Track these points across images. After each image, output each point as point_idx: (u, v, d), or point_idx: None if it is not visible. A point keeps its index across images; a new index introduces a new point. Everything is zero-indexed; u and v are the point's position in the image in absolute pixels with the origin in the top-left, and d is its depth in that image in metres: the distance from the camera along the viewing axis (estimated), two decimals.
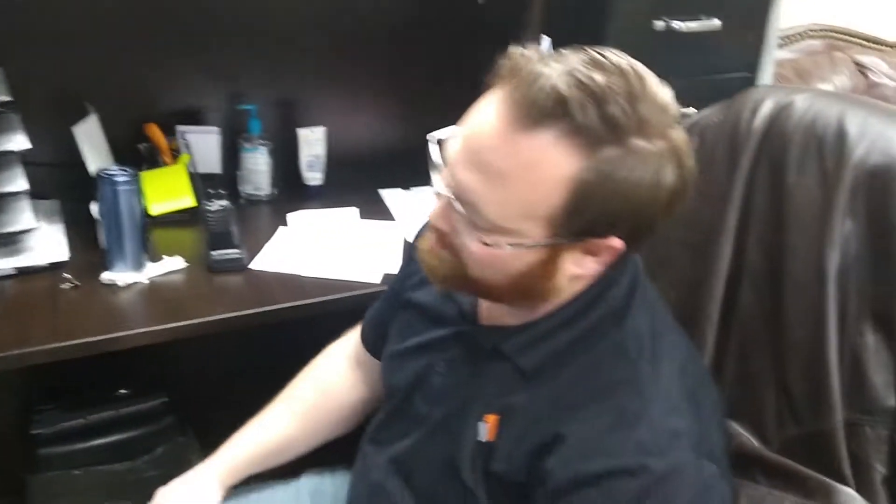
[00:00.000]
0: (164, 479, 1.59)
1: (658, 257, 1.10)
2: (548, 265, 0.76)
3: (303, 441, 1.10)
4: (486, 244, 0.75)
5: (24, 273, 1.34)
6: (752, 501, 0.94)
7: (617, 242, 0.74)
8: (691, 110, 1.56)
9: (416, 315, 0.98)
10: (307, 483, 1.17)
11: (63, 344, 1.19)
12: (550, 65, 0.70)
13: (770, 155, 1.02)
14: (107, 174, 1.30)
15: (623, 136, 0.68)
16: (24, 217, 1.34)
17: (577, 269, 0.77)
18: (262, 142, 1.67)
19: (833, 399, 0.91)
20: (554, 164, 0.69)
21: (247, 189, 1.70)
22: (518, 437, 0.81)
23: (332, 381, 1.13)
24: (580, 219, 0.72)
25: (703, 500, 0.76)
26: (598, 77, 0.68)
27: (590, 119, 0.68)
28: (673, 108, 0.73)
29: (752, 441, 0.99)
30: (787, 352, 0.97)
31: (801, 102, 1.02)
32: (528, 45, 0.74)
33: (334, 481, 1.16)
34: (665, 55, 1.54)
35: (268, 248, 1.49)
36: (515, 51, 0.73)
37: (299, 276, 1.39)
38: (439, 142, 0.80)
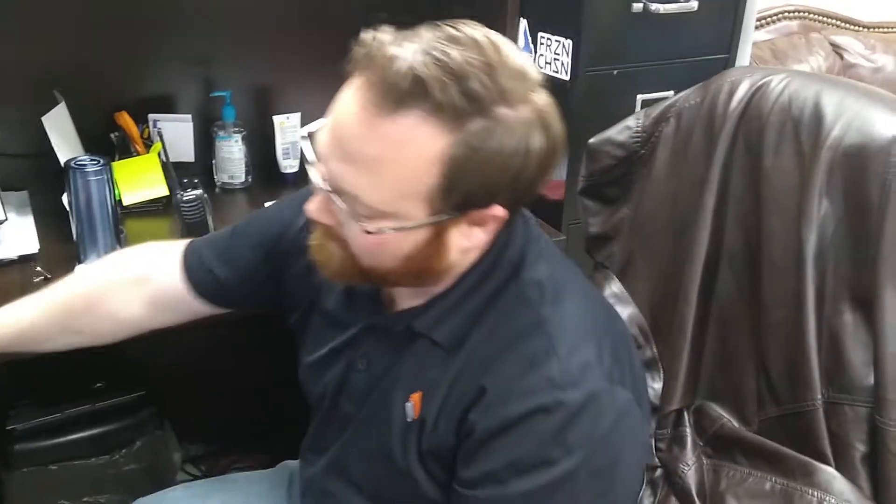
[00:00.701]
0: (143, 472, 1.58)
1: (639, 244, 1.10)
2: (435, 243, 0.77)
3: (48, 335, 1.05)
4: (370, 232, 0.75)
5: None
6: (733, 482, 0.94)
7: (499, 211, 0.76)
8: (669, 93, 1.57)
9: (325, 322, 0.97)
10: (283, 471, 1.17)
11: None
12: (405, 45, 0.70)
13: (747, 137, 1.02)
14: (77, 164, 1.28)
15: (486, 107, 0.69)
16: None
17: (466, 242, 0.79)
18: (236, 129, 1.64)
19: (812, 379, 0.91)
20: (421, 144, 0.70)
21: (222, 178, 1.67)
22: (441, 405, 0.83)
23: (101, 287, 1.07)
24: (457, 193, 0.73)
25: (622, 426, 0.80)
26: (454, 53, 0.69)
27: (451, 96, 0.68)
28: (532, 72, 0.74)
29: (732, 422, 0.99)
30: (766, 332, 0.97)
31: (777, 83, 1.02)
32: (379, 27, 0.73)
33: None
34: (643, 37, 1.55)
35: None
36: (367, 36, 0.73)
37: None
38: (310, 135, 0.79)
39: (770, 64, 2.28)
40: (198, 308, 1.06)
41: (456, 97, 0.68)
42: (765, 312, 0.97)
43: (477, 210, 0.75)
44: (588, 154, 1.13)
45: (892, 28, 2.74)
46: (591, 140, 1.12)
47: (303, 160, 1.73)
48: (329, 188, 0.76)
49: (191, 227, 1.35)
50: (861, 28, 2.64)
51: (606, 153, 1.12)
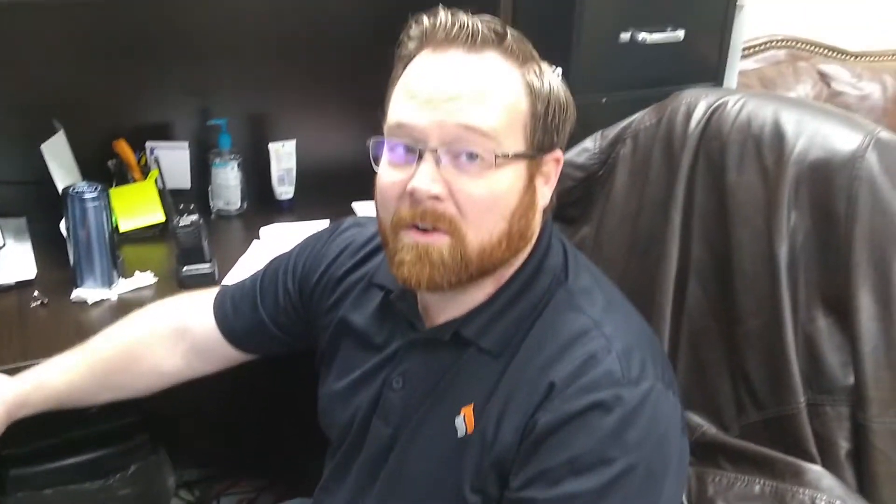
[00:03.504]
0: (137, 497, 1.58)
1: (603, 261, 1.12)
2: (531, 191, 0.84)
3: (92, 393, 1.10)
4: (494, 163, 0.80)
5: None
6: (721, 488, 0.96)
7: (559, 154, 0.87)
8: None
9: (356, 345, 0.97)
10: None
11: (33, 363, 1.17)
12: (457, 13, 0.82)
13: (708, 156, 1.06)
14: (75, 191, 1.30)
15: (533, 57, 0.84)
16: None
17: (543, 199, 0.86)
18: (232, 156, 1.67)
19: (794, 383, 0.95)
20: (510, 74, 0.82)
21: (218, 204, 1.69)
22: (503, 410, 0.83)
23: (143, 342, 1.10)
24: (539, 124, 0.83)
25: (674, 430, 0.81)
26: (489, 19, 0.83)
27: (511, 41, 0.82)
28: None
29: (712, 429, 1.02)
30: (743, 341, 1.00)
31: (733, 104, 1.06)
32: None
33: None
34: (631, 66, 1.58)
35: (241, 262, 1.48)
36: (419, 19, 0.84)
37: None
38: (395, 127, 0.84)
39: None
40: (232, 356, 1.10)
41: (515, 43, 0.82)
42: (739, 322, 1.00)
43: (548, 154, 0.85)
44: None
45: (878, 57, 2.78)
46: None
47: (296, 185, 1.75)
48: (443, 149, 0.79)
49: (187, 252, 1.37)
50: (848, 57, 2.68)
51: (566, 175, 1.15)
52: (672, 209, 1.07)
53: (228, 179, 1.67)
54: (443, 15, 0.82)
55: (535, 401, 0.81)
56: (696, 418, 1.03)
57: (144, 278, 1.38)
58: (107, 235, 1.32)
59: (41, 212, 1.50)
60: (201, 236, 1.36)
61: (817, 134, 0.97)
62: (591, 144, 1.17)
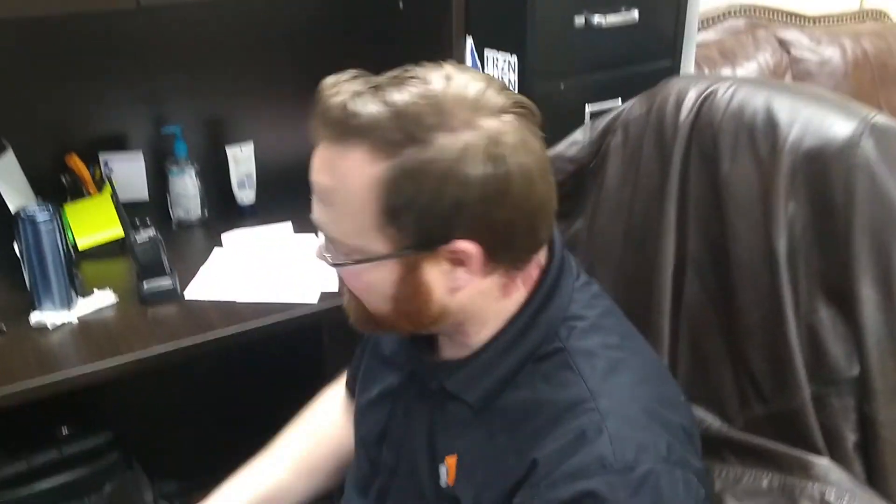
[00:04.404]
0: None
1: (598, 254, 1.11)
2: (411, 281, 0.76)
3: (299, 489, 1.07)
4: (338, 263, 0.77)
5: None
6: (728, 482, 0.95)
7: (467, 246, 0.74)
8: (616, 101, 1.58)
9: (378, 362, 0.97)
10: None
11: None
12: (354, 88, 0.73)
13: (701, 146, 1.03)
14: (26, 214, 1.26)
15: (422, 135, 0.70)
16: None
17: (451, 283, 0.77)
18: (189, 164, 1.63)
19: (799, 376, 0.92)
20: (361, 171, 0.72)
21: (178, 214, 1.66)
22: (485, 478, 0.79)
23: (325, 429, 1.10)
24: (405, 223, 0.73)
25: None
26: (395, 90, 0.71)
27: (385, 129, 0.71)
28: (492, 100, 0.73)
29: (716, 423, 1.00)
30: (744, 334, 0.98)
31: (724, 92, 1.03)
32: (342, 71, 0.75)
33: None
34: (587, 50, 1.56)
35: (202, 272, 1.46)
36: (327, 80, 0.75)
37: (234, 302, 1.37)
38: None
39: (718, 63, 2.31)
40: None
41: (391, 130, 0.70)
42: (739, 315, 0.98)
43: (442, 245, 0.74)
44: None
45: (837, 20, 2.78)
46: None
47: (257, 189, 1.72)
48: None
49: (146, 268, 1.34)
50: (807, 21, 2.69)
51: (557, 169, 1.12)
52: (666, 201, 1.04)
53: (187, 188, 1.64)
54: (326, 93, 0.73)
55: (516, 477, 0.76)
56: (701, 412, 1.01)
57: (105, 297, 1.35)
58: (62, 256, 1.29)
59: None
60: (160, 250, 1.33)
61: (811, 121, 0.94)
62: (580, 136, 1.14)
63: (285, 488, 1.05)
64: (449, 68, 0.75)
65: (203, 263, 1.49)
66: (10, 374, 1.18)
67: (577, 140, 1.15)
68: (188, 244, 1.61)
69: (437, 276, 0.76)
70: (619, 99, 1.57)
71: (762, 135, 0.97)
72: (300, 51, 1.70)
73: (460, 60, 1.57)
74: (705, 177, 1.02)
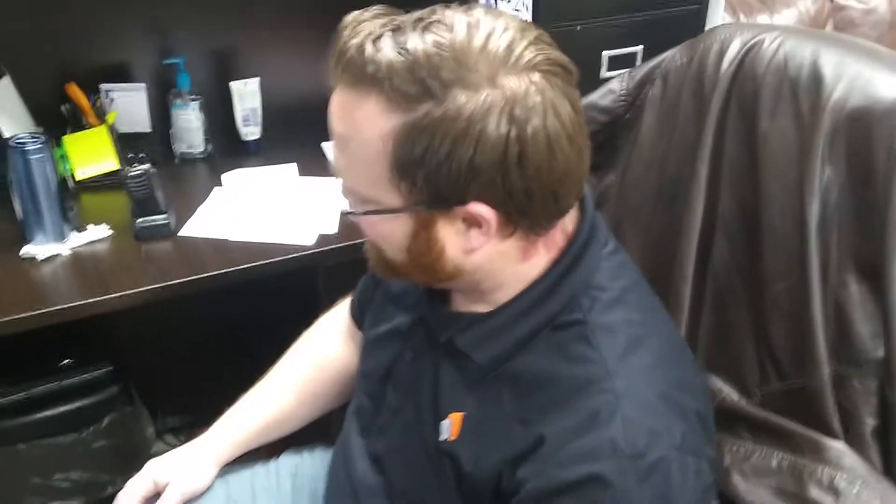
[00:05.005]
0: (113, 449, 1.57)
1: (627, 212, 1.06)
2: (424, 237, 0.73)
3: (301, 414, 1.08)
4: (353, 213, 0.75)
5: None
6: (738, 458, 0.92)
7: (482, 209, 0.70)
8: (637, 48, 1.51)
9: (387, 299, 0.95)
10: (286, 463, 1.13)
11: None
12: (372, 32, 0.68)
13: (740, 99, 0.97)
14: (16, 143, 1.24)
15: (438, 91, 0.66)
16: None
17: (466, 243, 0.73)
18: (192, 97, 1.59)
19: (819, 353, 0.88)
20: (375, 122, 0.68)
21: (181, 148, 1.63)
22: (488, 442, 0.77)
23: (325, 355, 1.10)
24: (417, 179, 0.69)
25: (686, 498, 0.72)
26: (416, 38, 0.67)
27: (402, 82, 0.66)
28: (521, 56, 0.67)
29: (733, 395, 0.96)
30: (768, 305, 0.93)
31: (770, 42, 0.96)
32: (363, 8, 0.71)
33: (313, 461, 1.13)
34: None
35: (200, 211, 1.43)
36: (347, 18, 0.70)
37: (228, 241, 1.34)
38: None
39: (754, 10, 2.19)
40: None
41: (407, 83, 0.66)
42: (765, 284, 0.93)
43: (456, 206, 0.70)
44: None
45: None
46: None
47: (263, 127, 1.68)
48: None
49: (139, 202, 1.32)
50: None
51: (590, 119, 1.07)
52: (700, 158, 0.98)
53: (190, 121, 1.60)
54: (345, 33, 0.69)
55: (521, 448, 0.73)
56: (718, 382, 0.97)
57: (99, 231, 1.33)
58: (54, 188, 1.27)
59: None
60: (153, 186, 1.30)
61: (858, 78, 0.87)
62: (616, 86, 1.08)
63: (288, 413, 1.06)
64: (479, 13, 0.69)
65: (202, 201, 1.46)
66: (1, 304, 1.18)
67: (612, 89, 1.09)
68: (191, 178, 1.59)
69: (451, 235, 0.73)
70: (641, 46, 1.49)
71: (805, 91, 0.91)
72: None
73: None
74: (742, 134, 0.96)
